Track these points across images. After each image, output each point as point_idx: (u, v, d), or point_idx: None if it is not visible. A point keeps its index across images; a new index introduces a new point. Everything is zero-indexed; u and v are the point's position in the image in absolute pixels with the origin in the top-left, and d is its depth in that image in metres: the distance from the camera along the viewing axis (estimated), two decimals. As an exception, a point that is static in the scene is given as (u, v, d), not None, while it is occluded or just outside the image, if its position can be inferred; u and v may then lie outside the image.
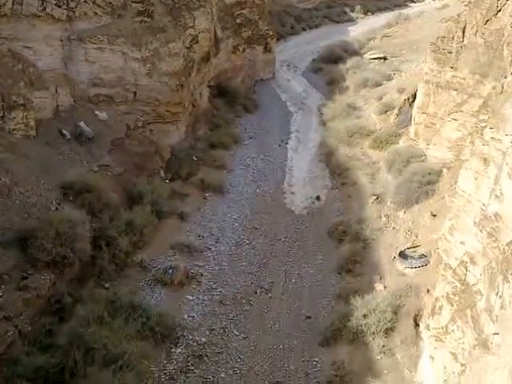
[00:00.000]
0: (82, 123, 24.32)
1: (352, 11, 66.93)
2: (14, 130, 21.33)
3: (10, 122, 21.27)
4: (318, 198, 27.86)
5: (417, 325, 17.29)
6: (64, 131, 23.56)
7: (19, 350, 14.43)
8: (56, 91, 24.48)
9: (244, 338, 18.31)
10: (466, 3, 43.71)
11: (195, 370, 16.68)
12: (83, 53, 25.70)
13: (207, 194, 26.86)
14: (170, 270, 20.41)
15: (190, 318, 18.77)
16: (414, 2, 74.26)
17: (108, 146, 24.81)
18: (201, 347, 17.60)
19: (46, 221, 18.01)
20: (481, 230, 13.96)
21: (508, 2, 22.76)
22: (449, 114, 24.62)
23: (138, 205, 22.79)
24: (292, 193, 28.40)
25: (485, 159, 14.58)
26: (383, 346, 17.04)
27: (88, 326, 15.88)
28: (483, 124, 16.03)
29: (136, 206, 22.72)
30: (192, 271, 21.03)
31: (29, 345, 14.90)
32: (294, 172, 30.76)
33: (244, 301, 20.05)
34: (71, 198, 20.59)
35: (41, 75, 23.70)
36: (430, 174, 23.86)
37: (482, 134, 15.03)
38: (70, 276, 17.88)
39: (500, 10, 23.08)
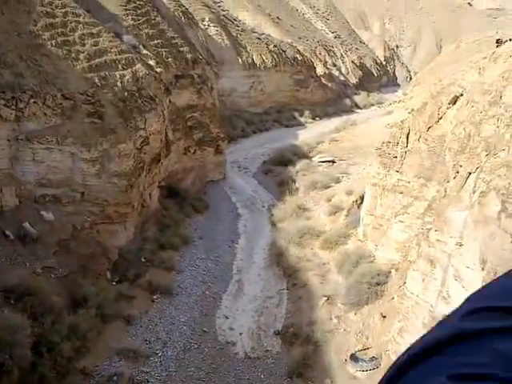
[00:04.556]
0: (26, 224, 23.68)
1: (301, 116, 69.38)
2: (-45, 230, 20.72)
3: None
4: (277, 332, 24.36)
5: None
6: (7, 232, 22.87)
7: None
8: (1, 191, 23.95)
9: None
10: (409, 110, 45.94)
11: None
12: (31, 153, 25.23)
13: (155, 297, 26.15)
14: (115, 377, 19.50)
15: (134, 430, 17.79)
16: (361, 109, 77.95)
17: (53, 247, 24.09)
18: None
19: (-15, 326, 17.19)
20: (430, 332, 13.82)
21: (448, 111, 23.86)
22: (395, 216, 25.12)
23: (83, 308, 21.98)
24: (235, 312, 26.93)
25: (431, 261, 14.72)
26: None
27: None
28: (428, 226, 16.32)
29: (80, 309, 21.89)
30: (138, 378, 20.06)
31: None
32: (243, 274, 30.45)
33: (191, 410, 19.20)
34: (12, 302, 19.73)
35: (-14, 175, 23.31)
36: (378, 274, 23.99)
37: (427, 236, 15.27)
38: (8, 385, 16.86)
39: (441, 118, 24.17)
